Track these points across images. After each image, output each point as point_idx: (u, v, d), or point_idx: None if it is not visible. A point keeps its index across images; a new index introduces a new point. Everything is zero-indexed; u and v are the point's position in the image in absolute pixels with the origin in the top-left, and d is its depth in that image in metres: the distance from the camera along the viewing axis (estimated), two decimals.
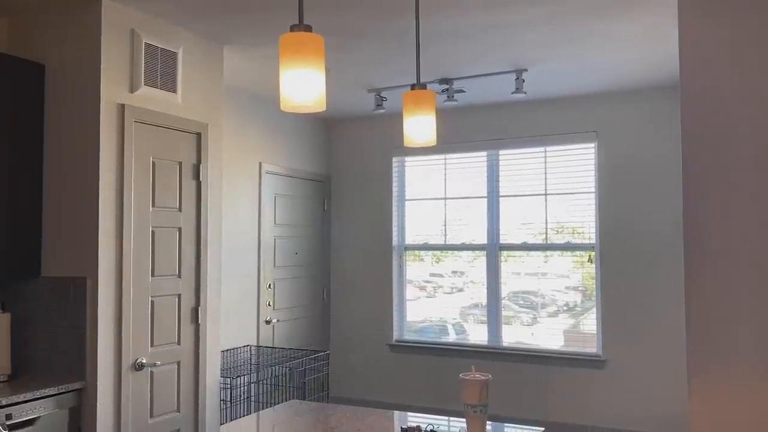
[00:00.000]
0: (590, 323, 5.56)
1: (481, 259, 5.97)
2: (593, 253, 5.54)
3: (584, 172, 5.59)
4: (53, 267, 3.43)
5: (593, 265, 5.55)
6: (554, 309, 5.72)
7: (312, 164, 6.33)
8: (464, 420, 2.40)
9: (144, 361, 3.54)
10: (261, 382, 5.11)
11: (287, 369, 5.15)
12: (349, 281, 6.44)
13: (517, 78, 4.79)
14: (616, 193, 5.43)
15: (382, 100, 5.40)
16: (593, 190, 5.54)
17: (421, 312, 6.26)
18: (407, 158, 6.31)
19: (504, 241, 5.87)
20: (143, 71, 3.56)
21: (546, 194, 5.71)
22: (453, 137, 6.00)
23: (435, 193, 6.19)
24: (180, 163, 3.82)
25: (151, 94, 3.62)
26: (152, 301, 3.63)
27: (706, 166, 1.83)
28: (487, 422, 2.44)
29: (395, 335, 6.24)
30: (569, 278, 5.67)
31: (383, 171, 6.34)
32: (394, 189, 6.32)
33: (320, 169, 6.45)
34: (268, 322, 5.59)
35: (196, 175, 3.93)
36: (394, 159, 6.32)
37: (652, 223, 5.30)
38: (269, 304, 5.63)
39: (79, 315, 3.32)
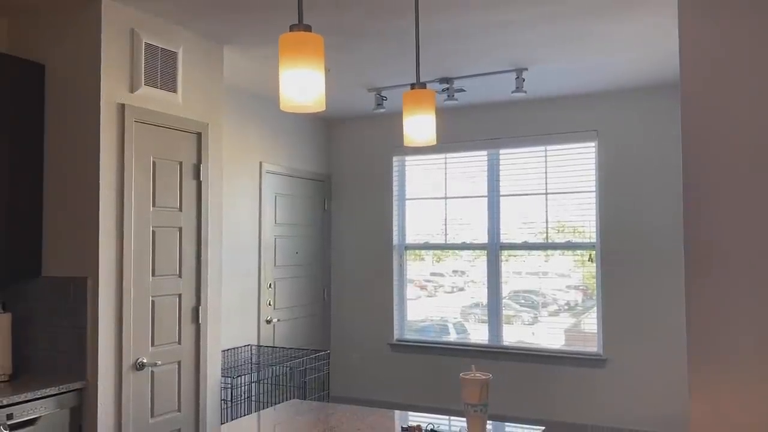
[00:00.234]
0: (591, 322, 5.56)
1: (481, 259, 5.97)
2: (594, 252, 5.54)
3: (584, 171, 5.58)
4: (54, 267, 3.44)
5: (594, 264, 5.55)
6: (555, 308, 5.72)
7: (312, 164, 6.33)
8: (465, 419, 2.40)
9: (145, 360, 3.55)
10: (262, 382, 5.11)
11: (288, 368, 5.16)
12: (349, 281, 6.45)
13: (518, 77, 4.79)
14: (616, 192, 5.43)
15: (383, 99, 5.40)
16: (593, 189, 5.54)
17: (422, 311, 6.26)
18: (408, 157, 6.31)
19: (505, 240, 5.87)
20: (143, 71, 3.57)
21: (546, 193, 5.71)
22: (453, 136, 6.00)
23: (435, 193, 6.19)
24: (180, 163, 3.83)
25: (151, 94, 3.62)
26: (153, 301, 3.63)
27: (706, 165, 1.83)
28: (488, 421, 2.44)
29: (396, 334, 6.24)
30: (570, 277, 5.67)
31: (384, 170, 6.34)
32: (395, 188, 6.32)
33: (321, 169, 6.45)
34: (268, 322, 5.59)
35: (197, 175, 3.93)
36: (395, 158, 6.32)
37: (653, 221, 5.30)
38: (270, 304, 5.63)
39: (79, 315, 3.32)
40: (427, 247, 6.24)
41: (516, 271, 5.86)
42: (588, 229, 5.58)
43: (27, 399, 3.00)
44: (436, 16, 3.69)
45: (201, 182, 3.95)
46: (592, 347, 5.52)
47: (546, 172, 5.71)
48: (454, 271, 6.16)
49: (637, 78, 5.03)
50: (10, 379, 3.27)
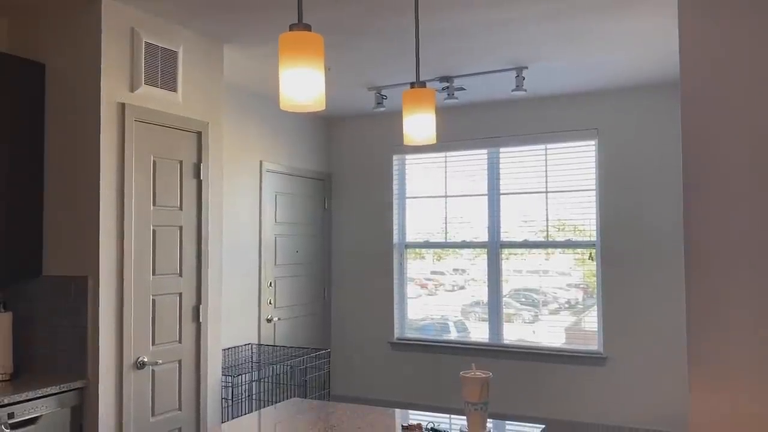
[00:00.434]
0: (591, 320, 5.57)
1: (482, 257, 5.98)
2: (594, 250, 5.54)
3: (585, 169, 5.58)
4: (54, 266, 3.44)
5: (594, 263, 5.55)
6: (555, 306, 5.73)
7: (313, 162, 6.33)
8: (465, 418, 2.40)
9: (145, 359, 3.55)
10: (262, 381, 5.11)
11: (288, 367, 5.16)
12: (350, 279, 6.45)
13: (518, 75, 4.79)
14: (616, 191, 5.43)
15: (383, 98, 5.40)
16: (594, 187, 5.54)
17: (422, 310, 6.27)
18: (408, 156, 6.31)
19: (505, 238, 5.88)
20: (143, 70, 3.57)
21: (547, 192, 5.71)
22: (453, 135, 6.00)
23: (436, 191, 6.19)
24: (180, 162, 3.83)
25: (151, 93, 3.62)
26: (153, 300, 3.63)
27: (705, 163, 1.83)
28: (488, 420, 2.44)
29: (396, 333, 6.25)
30: (570, 275, 5.67)
31: (384, 169, 6.34)
32: (395, 187, 6.32)
33: (321, 168, 6.45)
34: (269, 321, 5.60)
35: (197, 174, 3.94)
36: (395, 157, 6.32)
37: (653, 220, 5.30)
38: (270, 303, 5.64)
39: (80, 314, 3.32)
40: (428, 245, 6.24)
41: (516, 269, 5.86)
42: (588, 227, 5.58)
43: (28, 398, 3.01)
44: (436, 15, 3.69)
45: (201, 181, 3.96)
46: (593, 345, 5.52)
47: (546, 171, 5.72)
48: (455, 270, 6.16)
49: (638, 76, 5.03)
50: (11, 379, 3.27)
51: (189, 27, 3.85)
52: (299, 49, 1.82)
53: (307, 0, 3.44)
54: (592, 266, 5.57)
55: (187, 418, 3.82)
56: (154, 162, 3.66)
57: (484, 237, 5.96)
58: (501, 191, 5.90)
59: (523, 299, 5.87)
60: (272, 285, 5.67)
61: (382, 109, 5.53)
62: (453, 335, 6.11)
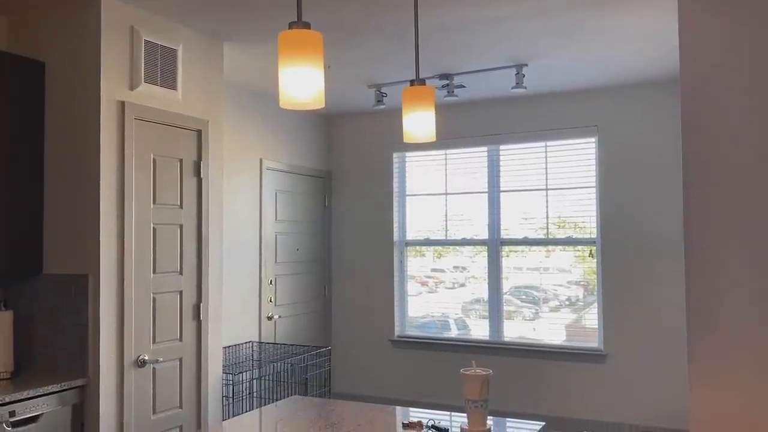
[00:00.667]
0: (592, 318, 5.57)
1: (482, 254, 5.98)
2: (594, 247, 5.55)
3: (585, 166, 5.58)
4: (55, 264, 3.44)
5: (594, 260, 5.55)
6: (556, 304, 5.73)
7: (313, 160, 6.33)
8: (465, 415, 2.41)
9: (146, 357, 3.56)
10: (263, 378, 5.12)
11: (289, 365, 5.17)
12: (350, 277, 6.45)
13: (518, 73, 4.79)
14: (616, 188, 5.43)
15: (382, 95, 5.40)
16: (594, 184, 5.54)
17: (423, 307, 6.27)
18: (408, 154, 6.31)
19: (505, 236, 5.88)
20: (143, 68, 3.57)
21: (547, 189, 5.71)
22: (453, 132, 6.00)
23: (436, 189, 6.19)
24: (180, 160, 3.83)
25: (151, 92, 3.62)
26: (154, 298, 3.64)
27: (706, 160, 1.83)
28: (488, 417, 2.44)
29: (397, 331, 6.25)
30: (571, 273, 5.67)
31: (384, 167, 6.34)
32: (395, 185, 6.32)
33: (321, 165, 6.46)
34: (269, 318, 5.60)
35: (197, 172, 3.94)
36: (395, 155, 6.32)
37: (653, 217, 5.30)
38: (271, 300, 5.64)
39: (81, 312, 3.33)
40: (428, 243, 6.24)
41: (517, 266, 5.86)
42: (588, 224, 5.58)
43: (29, 396, 3.01)
44: (436, 10, 3.69)
45: (201, 179, 3.96)
46: (593, 343, 5.52)
47: (546, 168, 5.71)
48: (455, 267, 6.17)
49: (638, 73, 5.03)
50: (12, 377, 3.28)
51: (189, 25, 3.85)
52: (299, 47, 1.82)
53: None
54: (593, 263, 5.57)
55: (188, 416, 3.83)
56: (154, 160, 3.66)
57: (484, 234, 5.96)
58: (501, 188, 5.90)
59: (524, 296, 5.87)
60: (273, 283, 5.67)
61: (381, 106, 5.53)
62: (453, 333, 6.11)
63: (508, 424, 2.61)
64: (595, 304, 5.55)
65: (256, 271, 5.48)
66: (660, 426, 5.20)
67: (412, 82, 2.51)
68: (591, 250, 5.57)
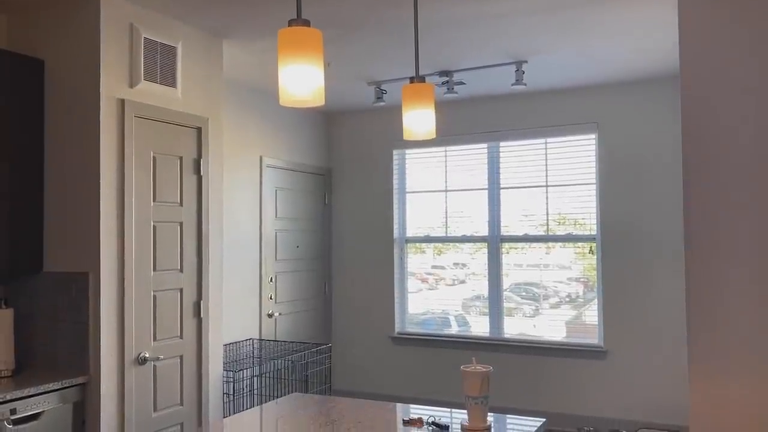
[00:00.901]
0: (592, 314, 5.57)
1: (482, 251, 5.98)
2: (594, 244, 5.55)
3: (585, 163, 5.58)
4: (55, 262, 3.45)
5: (594, 256, 5.55)
6: (556, 300, 5.73)
7: (313, 157, 6.33)
8: (466, 411, 2.41)
9: (147, 355, 3.56)
10: (263, 376, 5.13)
11: (289, 362, 5.17)
12: (350, 274, 6.46)
13: (517, 70, 4.78)
14: (616, 184, 5.43)
15: (382, 92, 5.39)
16: (594, 181, 5.54)
17: (423, 304, 6.28)
18: (408, 151, 6.31)
19: (505, 232, 5.88)
20: (143, 66, 3.56)
21: (547, 186, 5.71)
22: (453, 129, 6.00)
23: (436, 186, 6.19)
24: (180, 158, 3.83)
25: (150, 89, 3.62)
26: (154, 296, 3.64)
27: (706, 157, 1.83)
28: (489, 413, 2.45)
29: (397, 327, 6.26)
30: (571, 269, 5.68)
31: (384, 164, 6.34)
32: (395, 181, 6.32)
33: (321, 163, 6.45)
34: (270, 316, 5.61)
35: (197, 170, 3.94)
36: (395, 152, 6.32)
37: (653, 213, 5.30)
38: (271, 298, 5.65)
39: (81, 310, 3.33)
40: (428, 239, 6.24)
41: (517, 263, 5.86)
42: (588, 221, 5.58)
43: (30, 394, 3.01)
44: (435, 6, 3.68)
45: (201, 177, 3.96)
46: (593, 339, 5.53)
47: (546, 165, 5.71)
48: (455, 264, 6.17)
49: (638, 70, 5.03)
50: (13, 375, 3.28)
51: (188, 22, 3.85)
52: (298, 44, 1.82)
53: None
54: (593, 260, 5.58)
55: (189, 413, 3.84)
56: (154, 158, 3.66)
57: (484, 231, 5.96)
58: (501, 185, 5.90)
59: (524, 293, 5.87)
60: (273, 280, 5.68)
61: (381, 103, 5.53)
62: (454, 329, 6.12)
63: (508, 420, 2.61)
64: (595, 301, 5.55)
65: (256, 269, 5.48)
66: (659, 422, 5.21)
67: (411, 80, 2.51)
68: (591, 247, 5.58)
